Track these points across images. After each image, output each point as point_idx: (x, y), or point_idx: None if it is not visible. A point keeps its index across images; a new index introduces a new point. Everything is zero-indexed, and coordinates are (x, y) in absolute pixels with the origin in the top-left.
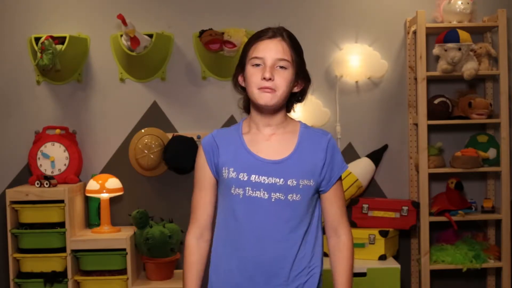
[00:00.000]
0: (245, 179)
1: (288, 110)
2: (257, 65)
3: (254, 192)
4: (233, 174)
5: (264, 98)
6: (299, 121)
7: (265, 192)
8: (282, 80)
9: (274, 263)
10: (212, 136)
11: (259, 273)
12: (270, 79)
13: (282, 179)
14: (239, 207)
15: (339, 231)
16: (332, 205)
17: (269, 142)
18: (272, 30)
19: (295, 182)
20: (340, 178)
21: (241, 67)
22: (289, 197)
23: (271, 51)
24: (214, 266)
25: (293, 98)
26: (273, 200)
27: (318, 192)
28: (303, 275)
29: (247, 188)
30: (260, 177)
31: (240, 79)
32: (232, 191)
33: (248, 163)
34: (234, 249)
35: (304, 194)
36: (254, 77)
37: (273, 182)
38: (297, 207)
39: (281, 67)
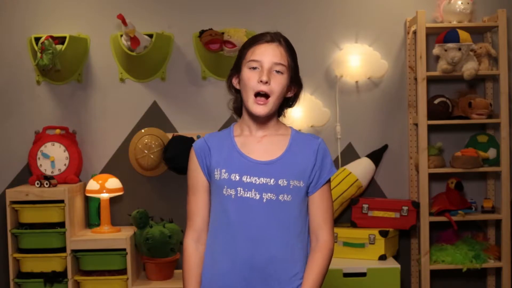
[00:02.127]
0: (236, 180)
1: (279, 115)
2: (254, 68)
3: (246, 193)
4: (225, 175)
5: (257, 109)
6: (290, 127)
7: (257, 193)
8: (278, 85)
9: (268, 264)
10: (204, 140)
11: (253, 275)
12: (266, 82)
13: (273, 179)
14: (231, 208)
15: (319, 235)
16: (317, 209)
17: (261, 143)
18: (270, 34)
19: (285, 182)
20: (328, 183)
21: (236, 70)
22: (280, 198)
23: (269, 55)
24: (207, 267)
25: (285, 103)
26: (264, 200)
27: None
28: (297, 279)
29: (239, 188)
30: (252, 177)
31: (234, 81)
32: (224, 192)
33: (239, 164)
34: (227, 251)
35: (295, 195)
36: (251, 80)
37: (264, 182)
38: (289, 208)
39: (278, 71)
